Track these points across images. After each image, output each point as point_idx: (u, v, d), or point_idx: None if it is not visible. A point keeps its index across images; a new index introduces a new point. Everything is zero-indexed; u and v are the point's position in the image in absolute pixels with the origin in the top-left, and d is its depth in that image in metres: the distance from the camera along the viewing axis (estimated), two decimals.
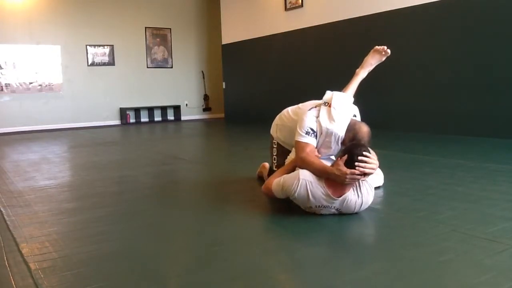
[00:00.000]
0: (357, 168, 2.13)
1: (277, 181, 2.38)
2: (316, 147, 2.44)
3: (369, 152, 2.18)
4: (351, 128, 2.42)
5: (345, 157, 2.15)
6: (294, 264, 1.76)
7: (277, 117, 2.94)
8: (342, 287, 1.55)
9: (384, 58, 2.92)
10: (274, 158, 2.91)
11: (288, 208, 2.45)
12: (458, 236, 1.98)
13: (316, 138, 2.42)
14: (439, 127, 5.83)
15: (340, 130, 2.40)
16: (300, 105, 2.78)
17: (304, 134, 2.40)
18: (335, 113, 2.40)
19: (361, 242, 2.08)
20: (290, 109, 2.85)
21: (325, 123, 2.38)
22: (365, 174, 2.18)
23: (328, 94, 2.53)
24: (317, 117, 2.43)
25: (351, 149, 2.19)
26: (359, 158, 2.13)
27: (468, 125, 5.50)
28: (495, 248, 1.81)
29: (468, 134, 5.46)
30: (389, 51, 2.88)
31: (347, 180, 2.15)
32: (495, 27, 5.19)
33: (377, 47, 2.91)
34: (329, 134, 2.40)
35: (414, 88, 6.14)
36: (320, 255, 1.89)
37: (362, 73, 2.87)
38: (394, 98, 6.42)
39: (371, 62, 2.89)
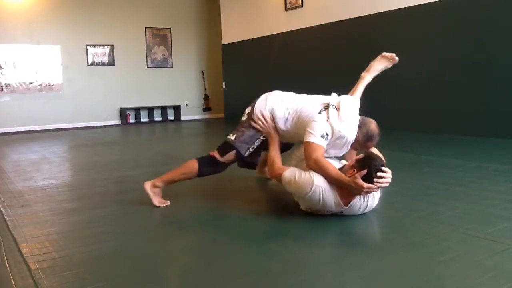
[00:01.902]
0: (375, 183, 2.12)
1: (291, 176, 2.30)
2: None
3: (385, 166, 2.17)
4: (362, 125, 2.42)
5: (365, 171, 2.11)
6: (294, 264, 1.76)
7: (278, 110, 2.62)
8: (342, 287, 1.55)
9: (391, 65, 2.87)
10: (243, 132, 2.68)
11: (288, 208, 2.45)
12: (458, 236, 1.98)
13: (328, 141, 2.40)
14: (438, 127, 5.83)
15: (351, 134, 2.38)
16: (300, 104, 2.57)
17: (319, 137, 2.33)
18: (345, 117, 2.37)
19: (362, 242, 2.08)
20: (286, 105, 2.62)
21: (337, 126, 2.35)
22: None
23: (336, 97, 2.49)
24: (327, 120, 2.38)
25: (369, 163, 2.14)
26: (378, 174, 2.12)
27: (468, 125, 5.50)
28: (495, 248, 1.81)
29: (468, 134, 5.46)
30: (397, 58, 2.83)
31: (363, 193, 2.16)
32: (495, 27, 5.18)
33: (385, 53, 2.85)
34: (341, 137, 2.37)
35: (414, 88, 6.14)
36: (320, 255, 1.89)
37: (367, 77, 2.83)
38: (394, 98, 6.41)
39: (378, 67, 2.84)
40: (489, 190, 2.79)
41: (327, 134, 2.35)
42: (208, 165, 2.70)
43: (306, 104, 2.55)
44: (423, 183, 3.06)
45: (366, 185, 2.10)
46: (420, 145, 4.99)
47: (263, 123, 2.60)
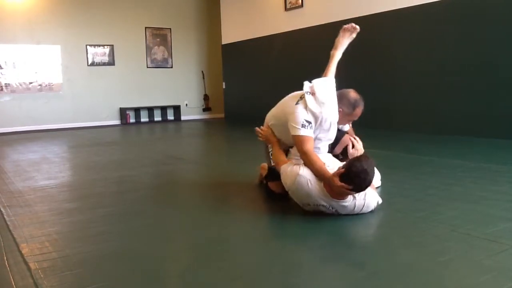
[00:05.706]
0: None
1: (284, 169, 2.43)
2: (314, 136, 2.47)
3: (371, 167, 2.16)
4: (341, 97, 2.53)
5: (342, 170, 2.14)
6: (294, 264, 1.76)
7: (269, 116, 2.88)
8: (342, 287, 1.55)
9: (354, 35, 2.89)
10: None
11: (288, 208, 2.45)
12: (458, 236, 1.98)
13: (313, 129, 2.43)
14: (439, 127, 5.83)
15: (332, 113, 2.45)
16: (280, 103, 2.78)
17: (300, 127, 2.40)
18: (322, 98, 2.43)
19: (361, 242, 2.09)
20: (274, 109, 2.86)
21: (317, 109, 2.40)
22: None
23: (308, 84, 2.53)
24: (306, 107, 2.43)
25: (350, 164, 2.16)
26: (339, 183, 2.13)
27: (468, 125, 5.49)
28: (495, 248, 1.81)
29: (468, 134, 5.46)
30: (358, 27, 2.85)
31: (342, 191, 2.17)
32: (496, 27, 5.18)
33: (345, 26, 2.89)
34: (324, 119, 2.43)
35: (414, 88, 6.13)
36: (320, 255, 1.89)
37: (337, 54, 2.88)
38: (394, 98, 6.41)
39: (344, 42, 2.88)
40: (489, 190, 2.79)
41: (308, 122, 2.41)
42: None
43: (287, 101, 2.66)
44: (423, 183, 3.06)
45: (339, 184, 2.12)
46: (420, 145, 4.99)
47: (261, 134, 2.80)
